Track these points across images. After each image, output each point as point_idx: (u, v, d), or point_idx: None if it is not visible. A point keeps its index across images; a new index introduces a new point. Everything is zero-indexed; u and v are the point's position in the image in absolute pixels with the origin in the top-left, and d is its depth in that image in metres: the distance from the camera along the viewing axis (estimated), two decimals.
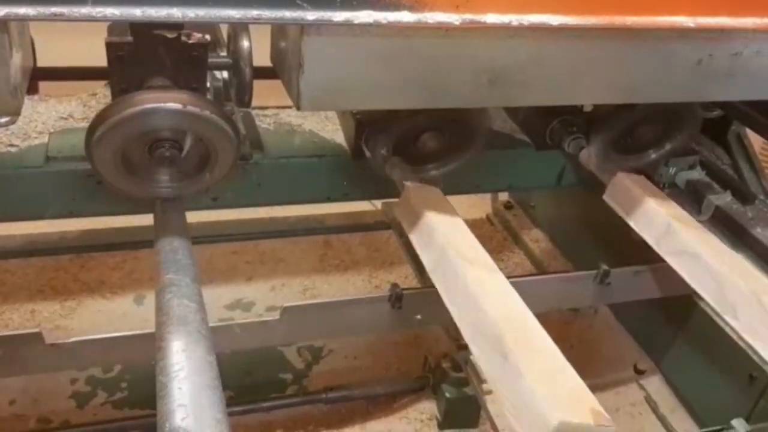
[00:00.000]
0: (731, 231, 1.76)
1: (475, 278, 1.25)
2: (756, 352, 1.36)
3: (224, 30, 1.45)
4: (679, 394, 2.07)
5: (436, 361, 2.00)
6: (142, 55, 1.19)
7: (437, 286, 1.35)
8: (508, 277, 1.30)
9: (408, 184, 1.55)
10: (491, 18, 1.09)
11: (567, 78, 1.27)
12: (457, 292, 1.28)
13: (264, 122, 1.85)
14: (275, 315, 1.51)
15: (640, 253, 1.65)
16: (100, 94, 1.77)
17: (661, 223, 1.56)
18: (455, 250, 1.32)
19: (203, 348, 0.94)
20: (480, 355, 1.17)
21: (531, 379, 1.03)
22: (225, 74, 1.43)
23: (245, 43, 1.29)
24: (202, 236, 2.35)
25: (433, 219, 1.42)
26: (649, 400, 2.08)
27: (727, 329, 1.71)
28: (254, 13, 1.00)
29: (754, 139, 1.92)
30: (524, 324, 1.16)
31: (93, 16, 0.94)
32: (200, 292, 1.09)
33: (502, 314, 1.16)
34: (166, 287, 1.07)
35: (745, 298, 1.36)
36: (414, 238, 1.47)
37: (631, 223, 1.63)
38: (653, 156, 1.79)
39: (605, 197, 1.71)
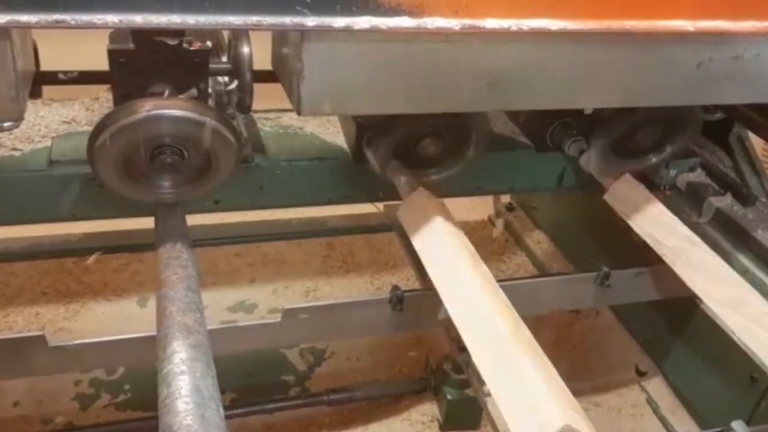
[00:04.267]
0: (732, 233, 1.76)
1: (465, 283, 1.25)
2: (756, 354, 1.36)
3: (225, 35, 1.46)
4: (680, 395, 2.07)
5: (438, 363, 2.01)
6: (143, 62, 1.19)
7: (437, 288, 1.35)
8: (509, 279, 1.30)
9: (405, 189, 1.55)
10: (490, 23, 1.10)
11: (567, 82, 1.27)
12: (452, 296, 1.29)
13: (266, 125, 1.85)
14: (277, 317, 1.51)
15: (641, 254, 1.65)
16: (102, 98, 1.78)
17: (660, 225, 1.56)
18: (448, 256, 1.32)
19: (201, 352, 0.95)
20: (477, 359, 1.18)
21: (528, 384, 1.03)
22: (226, 79, 1.43)
23: (245, 49, 1.30)
24: (205, 238, 2.36)
25: (428, 224, 1.43)
26: (650, 402, 2.08)
27: (728, 331, 1.71)
28: (255, 19, 1.01)
29: (756, 141, 1.92)
30: (513, 330, 1.16)
31: (94, 23, 0.95)
32: (200, 295, 1.09)
33: (471, 327, 1.17)
34: (165, 291, 1.08)
35: (743, 299, 1.36)
36: (413, 242, 1.48)
37: (632, 224, 1.63)
38: (654, 159, 1.80)
39: (606, 197, 1.71)
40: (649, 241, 1.56)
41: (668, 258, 1.52)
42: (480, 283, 1.26)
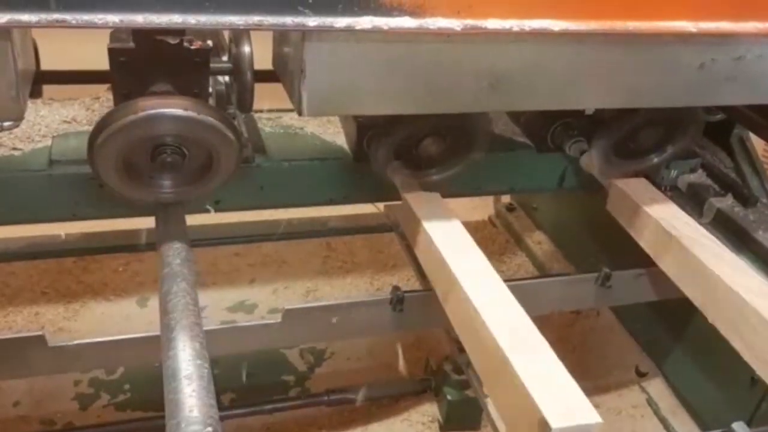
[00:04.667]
0: (733, 234, 1.76)
1: (471, 285, 1.25)
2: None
3: (225, 34, 1.45)
4: (680, 396, 2.07)
5: (438, 364, 2.01)
6: (144, 61, 1.19)
7: (436, 291, 1.35)
8: (510, 280, 1.30)
9: (407, 190, 1.55)
10: (492, 23, 1.09)
11: (569, 83, 1.27)
12: (453, 299, 1.28)
13: (266, 125, 1.85)
14: (277, 317, 1.51)
15: (642, 255, 1.65)
16: (103, 98, 1.78)
17: (659, 230, 1.56)
18: (452, 257, 1.32)
19: (201, 351, 0.96)
20: (476, 362, 1.18)
21: (524, 386, 1.03)
22: (227, 78, 1.43)
23: (246, 49, 1.29)
24: (205, 238, 2.35)
25: (432, 225, 1.43)
26: (650, 403, 2.08)
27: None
28: (256, 19, 1.00)
29: (757, 142, 1.91)
30: (519, 328, 1.16)
31: (95, 23, 0.95)
32: (196, 296, 1.09)
33: (497, 320, 1.17)
34: (165, 292, 1.08)
35: (740, 312, 1.36)
36: (414, 245, 1.48)
37: (630, 231, 1.63)
38: (655, 160, 1.79)
39: (608, 208, 1.70)
40: (663, 224, 1.54)
41: (684, 242, 1.50)
42: (494, 274, 1.26)
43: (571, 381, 1.05)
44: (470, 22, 1.08)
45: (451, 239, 1.39)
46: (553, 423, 0.95)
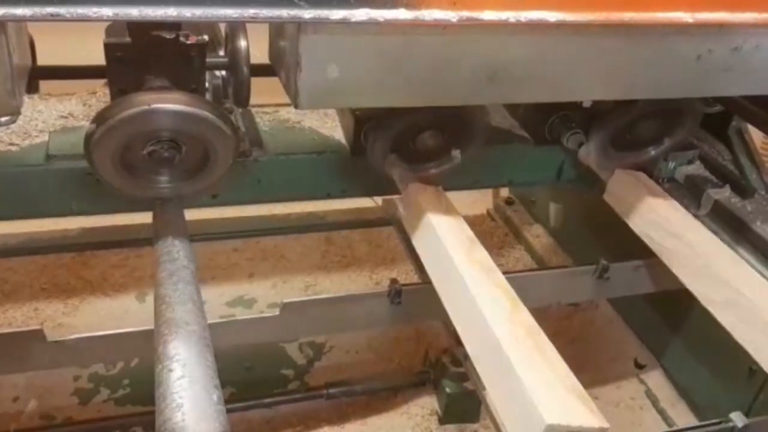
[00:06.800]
0: (731, 225, 1.76)
1: (470, 278, 1.25)
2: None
3: (222, 29, 1.45)
4: (679, 388, 2.08)
5: (437, 356, 2.01)
6: (140, 56, 1.19)
7: (435, 285, 1.35)
8: (508, 272, 1.30)
9: (406, 182, 1.55)
10: (488, 15, 1.09)
11: (566, 74, 1.27)
12: (452, 292, 1.28)
13: (264, 119, 1.85)
14: (276, 311, 1.51)
15: (640, 247, 1.65)
16: (99, 93, 1.78)
17: (658, 223, 1.56)
18: (452, 250, 1.32)
19: (201, 347, 0.95)
20: (474, 355, 1.18)
21: (523, 381, 1.03)
22: (224, 73, 1.43)
23: (242, 43, 1.29)
24: (204, 233, 2.36)
25: (431, 218, 1.42)
26: (649, 394, 2.09)
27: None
28: (251, 11, 1.00)
29: (755, 134, 1.91)
30: (519, 323, 1.16)
31: (89, 16, 0.95)
32: (198, 291, 1.09)
33: (496, 314, 1.16)
34: (163, 287, 1.07)
35: (736, 300, 1.36)
36: (413, 238, 1.48)
37: (629, 223, 1.63)
38: (653, 152, 1.79)
39: (605, 197, 1.71)
40: (659, 215, 1.54)
41: (681, 232, 1.49)
42: (476, 276, 1.26)
43: (573, 379, 1.05)
44: (466, 13, 1.07)
45: (451, 232, 1.39)
46: (548, 419, 0.95)
